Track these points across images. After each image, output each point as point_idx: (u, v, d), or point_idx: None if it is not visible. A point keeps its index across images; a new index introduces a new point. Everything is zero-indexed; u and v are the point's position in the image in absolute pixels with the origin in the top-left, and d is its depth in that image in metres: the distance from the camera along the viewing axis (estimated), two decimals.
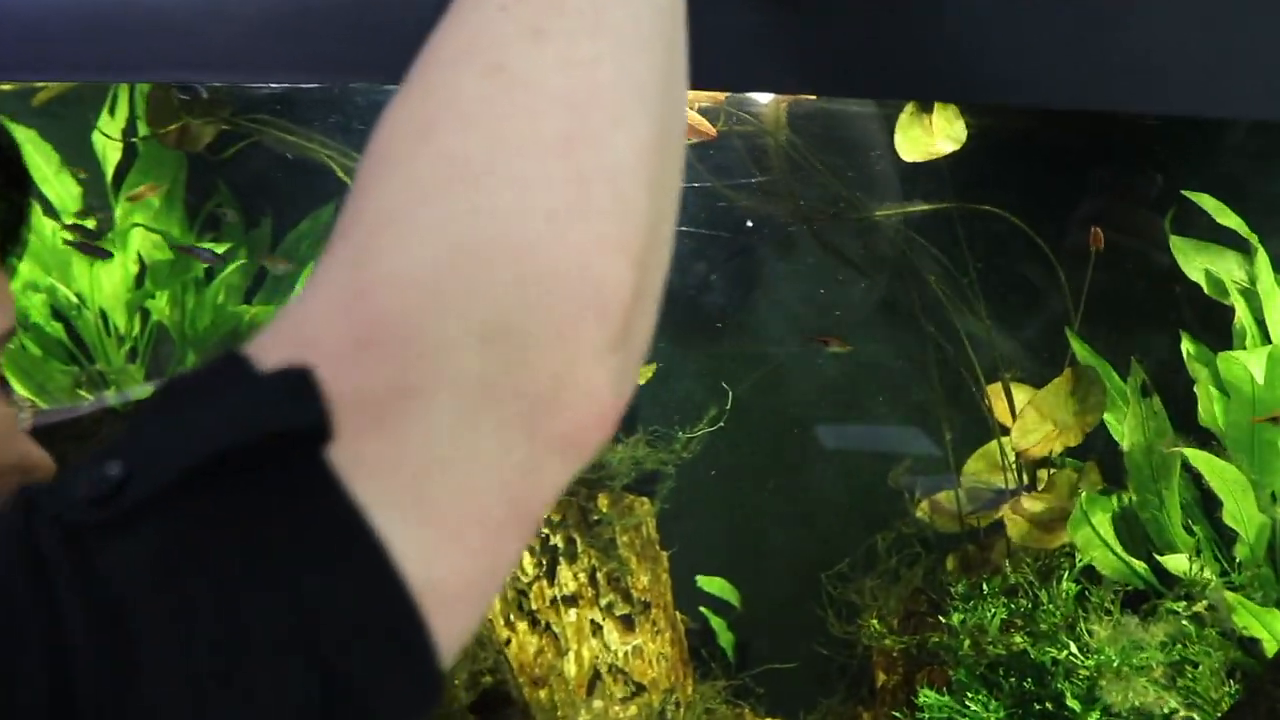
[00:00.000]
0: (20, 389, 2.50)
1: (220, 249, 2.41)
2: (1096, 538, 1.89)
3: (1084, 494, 1.85)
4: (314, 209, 2.58)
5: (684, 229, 2.11)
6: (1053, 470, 2.09)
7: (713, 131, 1.76)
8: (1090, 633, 1.66)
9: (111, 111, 2.58)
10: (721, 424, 2.21)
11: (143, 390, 2.45)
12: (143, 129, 2.41)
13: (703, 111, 1.76)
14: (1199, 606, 1.71)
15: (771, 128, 1.83)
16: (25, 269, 2.51)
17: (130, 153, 2.54)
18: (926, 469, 2.25)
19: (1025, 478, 2.14)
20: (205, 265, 2.50)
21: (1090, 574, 1.93)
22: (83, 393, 2.53)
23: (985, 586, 1.84)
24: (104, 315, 2.61)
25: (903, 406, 2.31)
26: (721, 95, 1.74)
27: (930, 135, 1.97)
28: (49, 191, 2.57)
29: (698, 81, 0.73)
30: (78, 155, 2.45)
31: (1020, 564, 2.02)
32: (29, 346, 2.56)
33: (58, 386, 2.53)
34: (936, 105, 1.98)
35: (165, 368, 2.64)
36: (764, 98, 1.77)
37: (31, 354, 2.56)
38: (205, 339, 2.52)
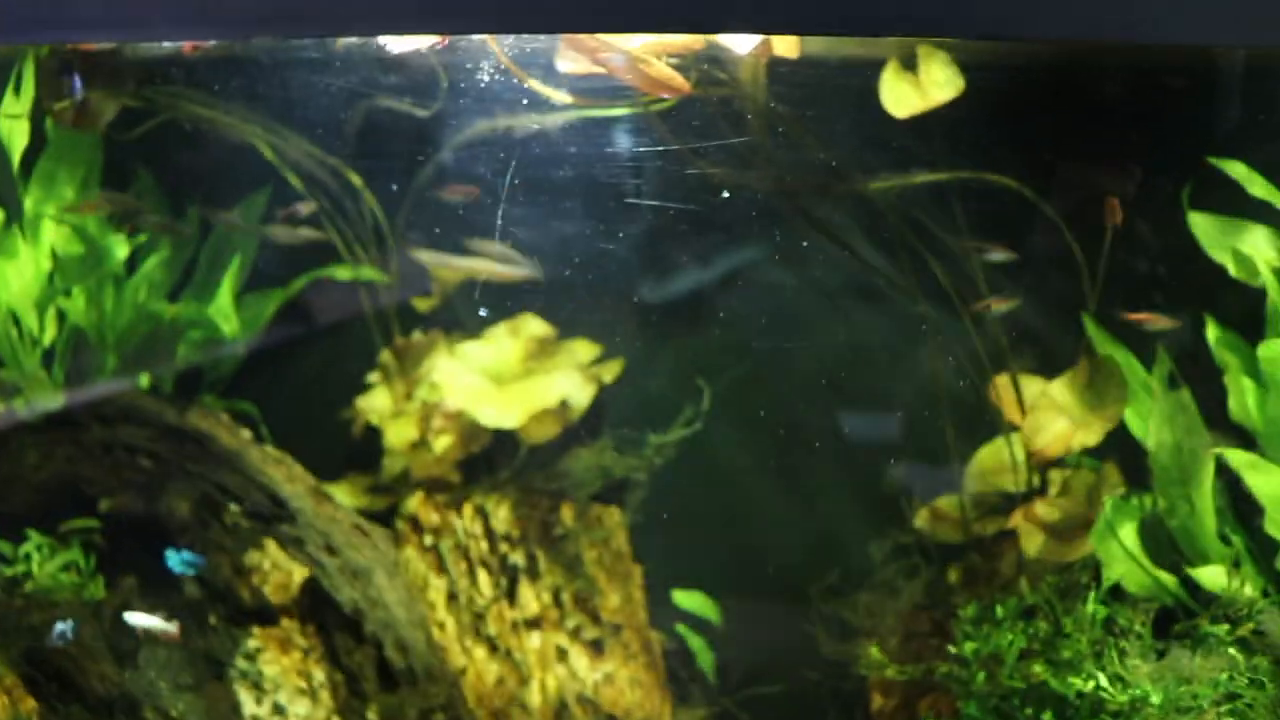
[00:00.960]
0: None
1: (134, 241, 2.16)
2: (1122, 550, 1.67)
3: (1109, 500, 1.64)
4: (243, 194, 2.33)
5: (651, 202, 1.88)
6: (1067, 472, 1.87)
7: (686, 86, 1.52)
8: (1124, 663, 1.45)
9: (17, 90, 2.34)
10: (698, 425, 1.98)
11: (55, 400, 2.20)
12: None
13: (671, 65, 1.51)
14: (1244, 630, 1.49)
15: (749, 85, 1.60)
16: None
17: (39, 135, 2.29)
18: (926, 470, 2.03)
19: (1036, 480, 1.92)
20: (125, 259, 2.24)
21: (1112, 589, 1.72)
22: None
23: (999, 609, 1.62)
24: (15, 316, 2.36)
25: (900, 402, 2.09)
26: (696, 43, 1.49)
27: (919, 87, 1.75)
28: None
29: (666, 25, 0.56)
30: None
31: (1036, 579, 1.81)
32: None
33: None
34: (925, 56, 1.76)
35: (86, 374, 2.39)
36: (740, 47, 1.53)
37: None
38: (125, 341, 2.28)
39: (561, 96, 1.63)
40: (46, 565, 2.27)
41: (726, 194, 1.79)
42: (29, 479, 2.29)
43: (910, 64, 1.76)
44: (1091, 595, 1.59)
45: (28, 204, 2.35)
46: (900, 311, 2.00)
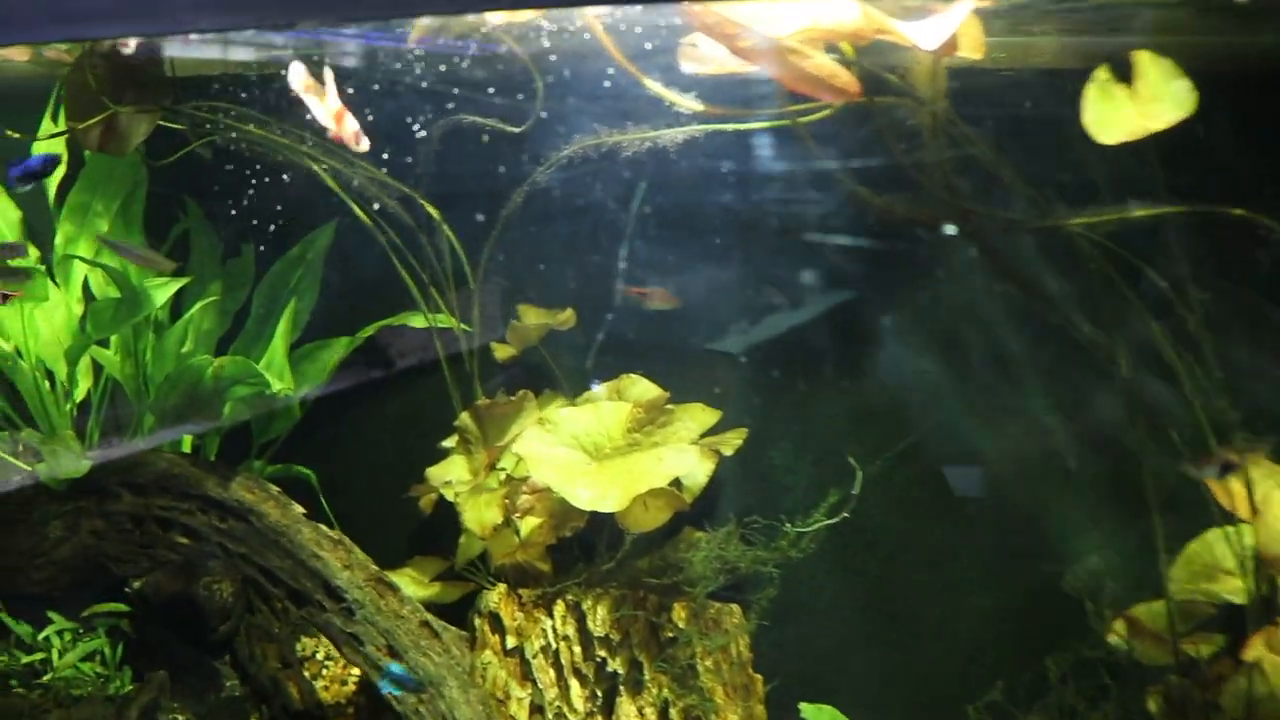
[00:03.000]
0: None
1: (175, 285, 1.87)
2: None
3: None
4: (303, 230, 2.04)
5: (794, 234, 1.56)
6: None
7: (855, 86, 1.17)
8: None
9: (55, 116, 2.08)
10: (846, 514, 1.63)
11: (80, 465, 1.91)
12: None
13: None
14: None
15: (926, 92, 1.27)
16: None
17: (76, 161, 2.02)
18: (1121, 570, 1.66)
19: (1265, 588, 1.54)
20: (160, 307, 1.95)
21: None
22: (13, 460, 2.00)
23: None
24: (48, 369, 2.07)
25: (1090, 484, 1.72)
26: (864, 31, 1.14)
27: (1132, 106, 1.40)
28: None
29: None
30: None
31: None
32: None
33: None
34: (1141, 67, 1.41)
35: (124, 432, 2.10)
36: (914, 43, 1.18)
37: None
38: (165, 396, 1.98)
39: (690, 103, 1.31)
40: (68, 654, 1.97)
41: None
42: (50, 554, 1.99)
43: (1122, 75, 1.42)
44: None
45: (59, 240, 2.08)
46: (1093, 368, 1.65)
